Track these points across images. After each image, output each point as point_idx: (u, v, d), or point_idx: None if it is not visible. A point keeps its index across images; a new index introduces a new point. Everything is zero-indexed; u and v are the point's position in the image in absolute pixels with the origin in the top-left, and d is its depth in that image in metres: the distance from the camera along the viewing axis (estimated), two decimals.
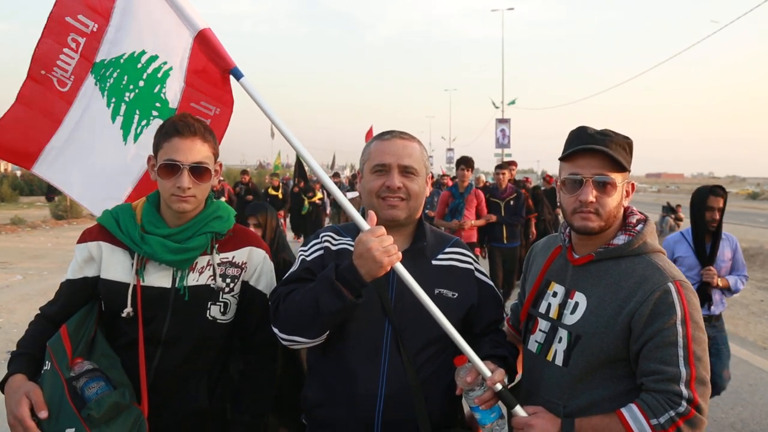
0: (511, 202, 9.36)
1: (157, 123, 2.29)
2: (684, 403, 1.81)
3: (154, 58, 2.32)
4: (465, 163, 9.24)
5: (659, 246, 2.05)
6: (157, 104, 2.34)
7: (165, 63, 2.33)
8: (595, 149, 1.95)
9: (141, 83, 2.33)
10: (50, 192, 17.74)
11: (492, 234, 9.38)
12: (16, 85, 2.29)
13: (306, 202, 17.70)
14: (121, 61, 2.33)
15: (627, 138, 2.03)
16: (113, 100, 2.33)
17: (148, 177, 2.31)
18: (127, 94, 2.33)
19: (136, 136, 2.34)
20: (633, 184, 2.08)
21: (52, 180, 2.36)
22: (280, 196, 17.48)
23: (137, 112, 2.34)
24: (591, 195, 1.95)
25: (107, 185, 2.36)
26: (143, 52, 2.32)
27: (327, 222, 19.38)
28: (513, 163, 12.05)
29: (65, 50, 2.30)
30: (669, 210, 20.54)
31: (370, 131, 18.03)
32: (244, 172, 19.08)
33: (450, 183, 10.71)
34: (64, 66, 2.30)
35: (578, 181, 1.98)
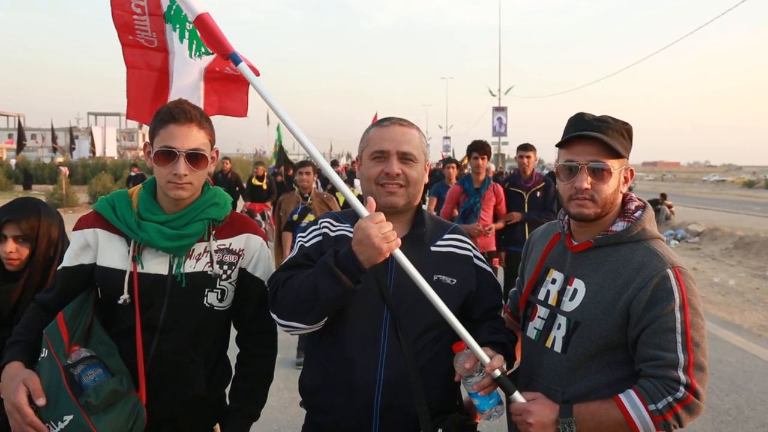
0: (538, 194, 7.33)
1: (206, 59, 2.49)
2: (682, 388, 1.82)
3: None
4: (479, 149, 7.20)
5: (658, 232, 2.05)
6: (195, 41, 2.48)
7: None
8: (590, 136, 1.95)
9: (188, 25, 2.46)
10: None
11: (510, 235, 7.24)
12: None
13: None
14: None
15: (626, 124, 2.02)
16: (178, 26, 2.45)
17: (210, 90, 2.53)
18: (188, 24, 2.44)
19: (198, 53, 2.48)
20: (632, 171, 2.07)
21: None
22: (265, 186, 15.36)
23: (195, 41, 2.47)
24: (586, 182, 1.95)
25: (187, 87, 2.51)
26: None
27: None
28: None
29: (135, 17, 2.43)
30: (655, 202, 20.66)
31: (374, 118, 17.95)
32: (226, 158, 17.28)
33: (454, 172, 8.43)
34: (143, 28, 2.45)
35: (573, 168, 1.98)
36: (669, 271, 1.89)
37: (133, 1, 2.39)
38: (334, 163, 27.32)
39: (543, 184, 7.37)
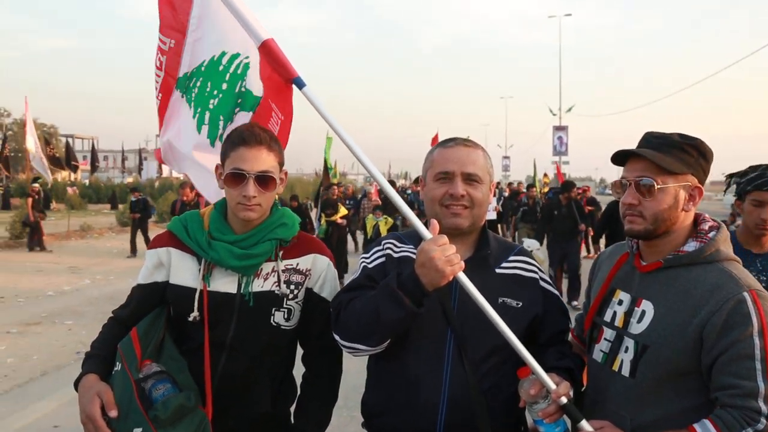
0: None
1: (241, 116, 2.37)
2: (763, 419, 1.72)
3: (235, 56, 2.35)
4: None
5: (733, 254, 1.97)
6: (239, 100, 2.38)
7: (247, 57, 2.35)
8: (634, 152, 1.93)
9: (224, 86, 2.37)
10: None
11: None
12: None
13: (323, 221, 13.91)
14: (202, 68, 2.38)
15: (694, 140, 1.96)
16: (198, 110, 2.39)
17: None
18: (212, 101, 2.38)
19: (222, 137, 2.37)
20: (700, 189, 2.00)
21: (181, 170, 2.58)
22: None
23: (221, 117, 2.39)
24: (631, 197, 1.94)
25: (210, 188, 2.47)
26: (223, 53, 2.36)
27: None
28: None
29: (156, 70, 2.47)
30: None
31: (435, 137, 17.76)
32: (184, 183, 15.52)
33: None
34: (156, 80, 2.50)
35: (624, 185, 1.98)
36: (745, 294, 1.81)
37: (157, 55, 2.48)
38: (392, 183, 27.35)
39: None
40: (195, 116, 2.38)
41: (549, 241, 11.88)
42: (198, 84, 2.37)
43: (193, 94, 2.38)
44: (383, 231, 12.95)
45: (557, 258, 11.58)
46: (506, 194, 21.37)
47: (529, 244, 12.88)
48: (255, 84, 2.36)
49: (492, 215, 15.04)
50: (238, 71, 2.34)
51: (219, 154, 2.23)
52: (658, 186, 1.91)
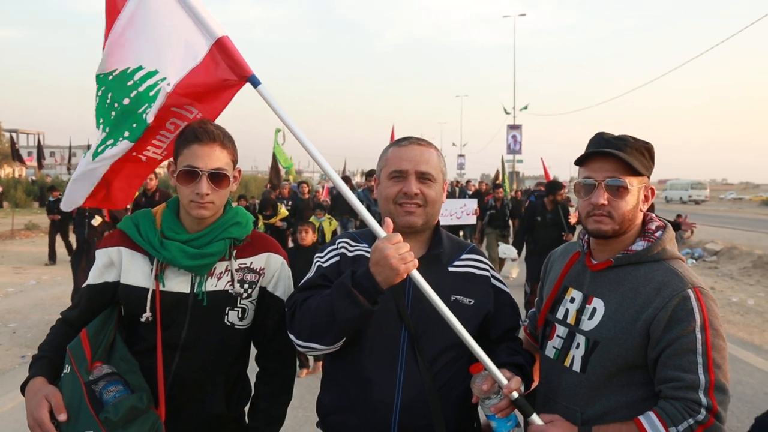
0: None
1: (124, 144, 2.12)
2: (703, 410, 1.80)
3: (151, 73, 2.12)
4: None
5: (678, 253, 2.04)
6: (134, 125, 2.12)
7: (163, 79, 2.10)
8: (607, 152, 1.97)
9: (126, 101, 2.11)
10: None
11: None
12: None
13: (261, 224, 12.65)
14: (110, 78, 2.15)
15: (646, 143, 2.04)
16: (101, 120, 2.17)
17: (101, 186, 2.27)
18: (112, 113, 2.14)
19: (95, 154, 2.16)
20: (653, 189, 2.07)
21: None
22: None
23: (106, 130, 2.16)
24: (603, 198, 1.97)
25: (75, 191, 2.30)
26: (139, 68, 2.11)
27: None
28: None
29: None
30: (676, 226, 20.42)
31: (392, 133, 17.17)
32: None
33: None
34: None
35: (591, 185, 2.00)
36: (690, 291, 1.88)
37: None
38: (347, 179, 26.77)
39: None
40: (98, 126, 2.18)
41: (529, 252, 9.90)
42: (100, 93, 2.17)
43: (96, 101, 2.19)
44: (327, 233, 11.43)
45: (537, 273, 8.92)
46: (469, 193, 18.13)
47: (506, 250, 11.83)
48: (152, 113, 2.12)
49: (471, 219, 12.74)
50: (150, 93, 2.10)
51: (89, 165, 2.15)
52: (628, 187, 1.97)
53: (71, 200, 2.34)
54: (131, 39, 2.15)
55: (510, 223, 14.20)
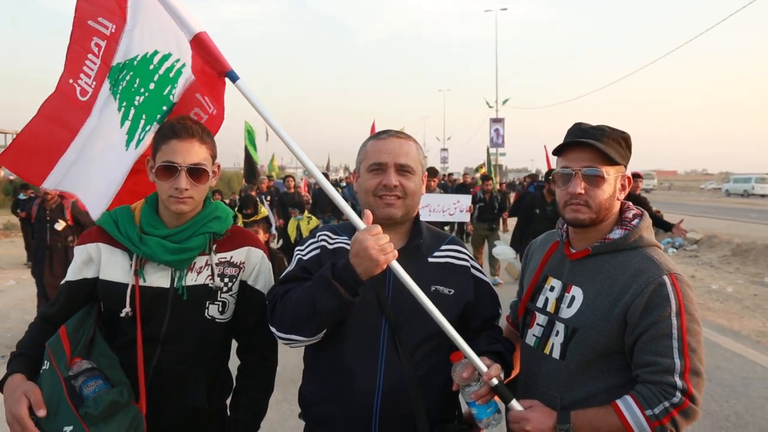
0: None
1: (156, 127, 2.20)
2: (678, 393, 1.84)
3: (166, 56, 2.22)
4: None
5: (655, 240, 2.08)
6: (164, 107, 2.21)
7: (178, 60, 2.21)
8: (584, 142, 1.99)
9: (152, 86, 2.21)
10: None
11: None
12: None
13: (240, 223, 12.21)
14: (135, 63, 2.24)
15: (623, 133, 2.06)
16: (124, 104, 2.24)
17: (131, 179, 2.26)
18: (138, 98, 2.23)
19: (138, 143, 2.23)
20: (629, 178, 2.10)
21: (65, 188, 2.30)
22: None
23: (143, 116, 2.23)
24: (579, 187, 2.00)
25: (105, 190, 2.27)
26: (156, 52, 2.22)
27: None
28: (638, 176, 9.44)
29: (89, 56, 2.24)
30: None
31: (372, 127, 16.96)
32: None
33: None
34: (88, 72, 2.25)
35: (568, 174, 2.03)
36: (665, 278, 1.92)
37: (93, 39, 2.23)
38: (326, 175, 26.14)
39: None
40: (120, 110, 2.25)
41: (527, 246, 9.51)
42: (127, 78, 2.24)
43: (121, 87, 2.25)
44: (305, 232, 10.80)
45: None
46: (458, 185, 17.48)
47: (500, 252, 11.24)
48: (179, 92, 2.23)
49: (465, 217, 11.21)
50: (170, 75, 2.21)
51: (129, 157, 2.16)
52: (605, 176, 1.99)
53: (103, 197, 2.26)
54: (140, 26, 2.23)
55: (499, 216, 12.93)
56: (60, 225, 8.41)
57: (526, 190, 14.21)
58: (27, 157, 2.26)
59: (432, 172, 11.28)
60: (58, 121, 2.24)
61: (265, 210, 11.69)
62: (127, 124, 2.24)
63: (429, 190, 10.15)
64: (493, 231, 12.41)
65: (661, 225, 8.67)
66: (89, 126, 2.26)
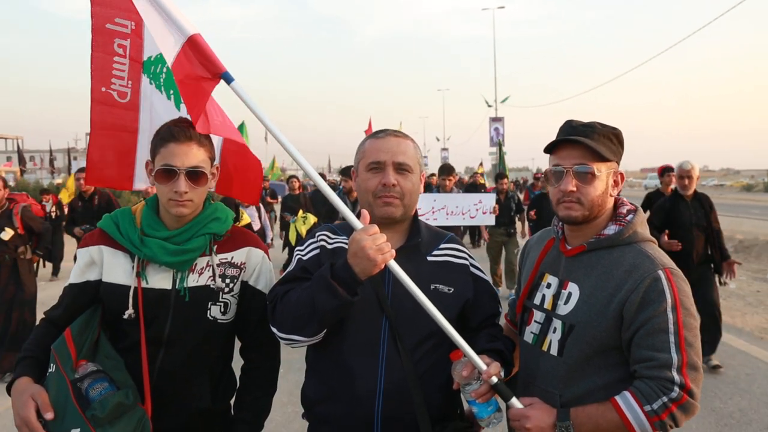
0: None
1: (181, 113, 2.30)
2: (676, 388, 1.85)
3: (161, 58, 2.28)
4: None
5: (649, 235, 2.09)
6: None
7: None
8: (574, 140, 2.01)
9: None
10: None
11: None
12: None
13: None
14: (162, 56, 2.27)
15: (614, 129, 2.08)
16: (171, 92, 2.29)
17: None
18: (162, 75, 2.31)
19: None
20: (622, 174, 2.12)
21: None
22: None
23: (171, 97, 2.32)
24: (571, 185, 2.01)
25: None
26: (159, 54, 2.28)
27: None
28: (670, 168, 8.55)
29: (116, 58, 2.28)
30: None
31: (369, 125, 16.76)
32: (80, 171, 10.64)
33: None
34: (119, 74, 2.29)
35: (560, 172, 2.04)
36: (660, 272, 1.93)
37: (115, 41, 2.28)
38: (323, 176, 25.97)
39: None
40: (170, 98, 2.31)
41: None
42: (165, 69, 2.27)
43: (162, 79, 2.29)
44: (302, 232, 10.60)
45: None
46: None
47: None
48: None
49: (490, 220, 9.31)
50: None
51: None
52: (596, 173, 2.01)
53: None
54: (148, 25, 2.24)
55: (516, 219, 11.60)
56: (7, 234, 6.91)
57: (539, 188, 13.67)
58: (107, 168, 2.37)
59: (448, 170, 10.27)
60: (113, 127, 2.32)
61: (247, 217, 10.99)
62: (183, 106, 2.29)
63: (444, 190, 9.73)
64: (512, 237, 11.11)
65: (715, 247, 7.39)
66: (144, 122, 2.33)
